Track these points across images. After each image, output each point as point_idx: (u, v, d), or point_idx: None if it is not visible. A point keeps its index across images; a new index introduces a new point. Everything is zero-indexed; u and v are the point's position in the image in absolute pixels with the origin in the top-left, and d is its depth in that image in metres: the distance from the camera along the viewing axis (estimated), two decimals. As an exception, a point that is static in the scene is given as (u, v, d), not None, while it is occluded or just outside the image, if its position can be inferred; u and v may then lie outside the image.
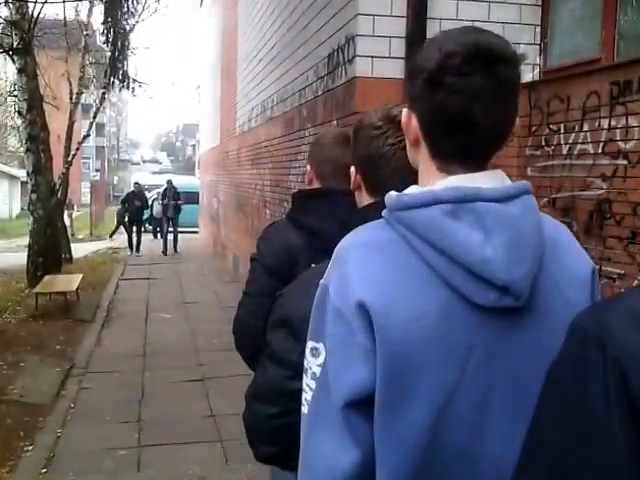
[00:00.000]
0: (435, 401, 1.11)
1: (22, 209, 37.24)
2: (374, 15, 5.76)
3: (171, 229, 18.58)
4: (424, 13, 5.76)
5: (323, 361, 1.18)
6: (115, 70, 16.55)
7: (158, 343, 8.51)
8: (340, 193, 2.31)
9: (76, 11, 18.22)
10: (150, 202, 20.48)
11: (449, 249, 1.10)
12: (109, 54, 16.71)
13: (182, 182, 25.52)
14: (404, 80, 1.24)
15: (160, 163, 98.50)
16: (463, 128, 1.14)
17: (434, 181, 1.19)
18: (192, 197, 23.46)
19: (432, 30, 5.91)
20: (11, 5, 11.62)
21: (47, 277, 11.24)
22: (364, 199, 1.65)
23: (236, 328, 2.44)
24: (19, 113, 12.43)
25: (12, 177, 39.85)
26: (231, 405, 6.13)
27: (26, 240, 13.82)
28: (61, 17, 17.67)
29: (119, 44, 15.99)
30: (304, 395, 1.22)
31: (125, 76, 17.01)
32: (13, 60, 11.98)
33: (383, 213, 1.22)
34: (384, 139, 1.57)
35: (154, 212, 20.59)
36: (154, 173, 66.62)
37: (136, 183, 20.30)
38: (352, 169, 1.67)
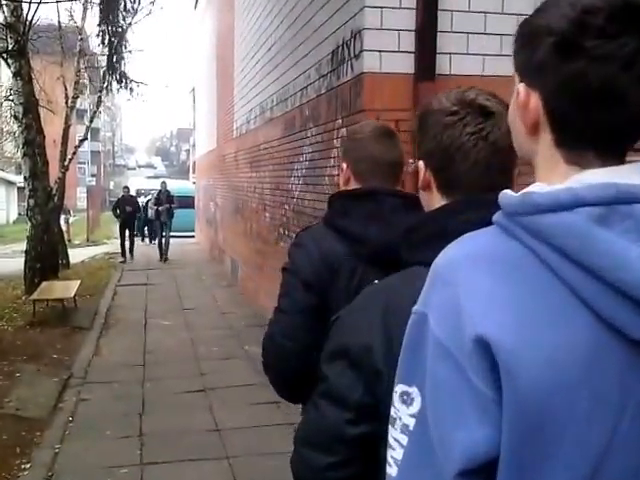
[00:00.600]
0: (581, 470, 0.83)
1: (19, 215, 37.04)
2: (382, 7, 5.53)
3: (164, 234, 17.84)
4: (435, 5, 5.52)
5: (418, 410, 0.91)
6: (113, 71, 16.25)
7: (158, 351, 8.25)
8: (386, 194, 2.07)
9: (70, 15, 17.96)
10: (144, 204, 20.05)
11: (597, 266, 0.82)
12: (106, 55, 16.39)
13: (177, 186, 25.27)
14: (515, 46, 0.96)
15: (155, 168, 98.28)
16: (606, 105, 0.87)
17: (562, 177, 0.91)
18: (187, 201, 23.19)
19: (443, 23, 5.69)
20: (5, 8, 11.37)
21: (44, 283, 10.98)
22: (435, 200, 1.38)
23: (266, 349, 2.16)
24: (15, 117, 12.18)
25: (9, 183, 39.59)
26: (235, 418, 5.94)
27: (23, 246, 13.57)
28: (55, 22, 17.41)
29: (116, 44, 15.69)
30: (391, 452, 0.95)
31: (123, 76, 16.70)
32: (8, 64, 11.74)
33: (495, 218, 0.94)
34: (461, 127, 1.31)
35: (149, 214, 20.10)
36: (149, 178, 66.36)
37: (125, 187, 19.63)
38: (420, 164, 1.39)
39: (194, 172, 33.60)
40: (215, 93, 17.46)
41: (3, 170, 39.68)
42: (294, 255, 2.14)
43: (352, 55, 5.94)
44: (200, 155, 23.11)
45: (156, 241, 18.48)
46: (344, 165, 2.21)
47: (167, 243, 17.82)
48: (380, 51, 5.64)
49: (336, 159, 6.44)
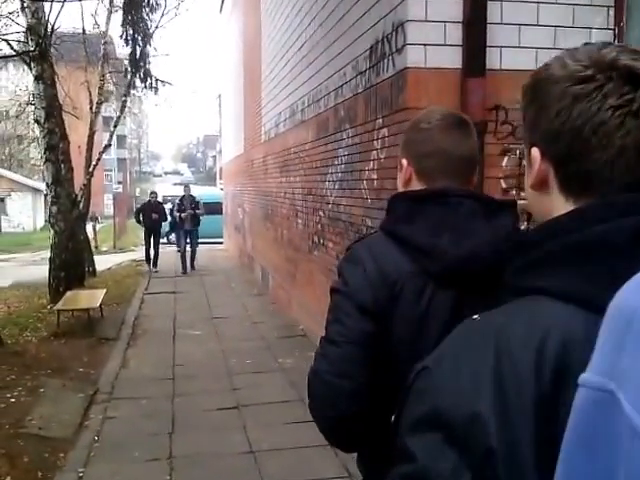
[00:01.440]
0: None
1: (46, 221, 37.09)
2: (427, -3, 5.15)
3: (188, 241, 16.40)
4: (484, -6, 5.14)
5: None
6: (136, 69, 15.78)
7: (187, 364, 7.89)
8: (460, 195, 1.66)
9: (95, 20, 17.74)
10: (170, 209, 19.18)
11: None
12: (129, 55, 15.87)
13: (206, 192, 25.00)
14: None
15: (181, 174, 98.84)
16: None
17: None
18: (216, 207, 22.90)
19: (493, 13, 5.31)
20: (27, 10, 11.11)
21: (69, 293, 10.71)
22: (556, 203, 0.96)
23: (313, 388, 1.75)
24: (37, 122, 11.88)
25: (35, 190, 39.75)
26: (271, 439, 5.55)
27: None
28: (79, 30, 17.15)
29: (140, 41, 15.27)
30: None
31: (147, 74, 16.19)
32: (30, 67, 11.47)
33: None
34: (601, 99, 0.89)
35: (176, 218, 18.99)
36: (175, 184, 66.64)
37: (152, 193, 17.77)
38: (533, 153, 0.97)
39: (221, 178, 33.45)
40: (242, 97, 17.17)
41: (29, 177, 39.87)
42: (347, 273, 1.74)
43: (393, 50, 5.56)
44: (227, 161, 22.84)
45: (180, 249, 16.73)
46: (404, 162, 1.81)
47: (193, 252, 16.52)
48: (425, 44, 5.26)
49: (376, 162, 6.06)
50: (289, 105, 10.28)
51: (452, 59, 5.28)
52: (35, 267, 18.34)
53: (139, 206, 18.18)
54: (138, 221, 17.05)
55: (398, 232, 1.69)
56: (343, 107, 7.15)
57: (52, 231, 12.23)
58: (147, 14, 15.33)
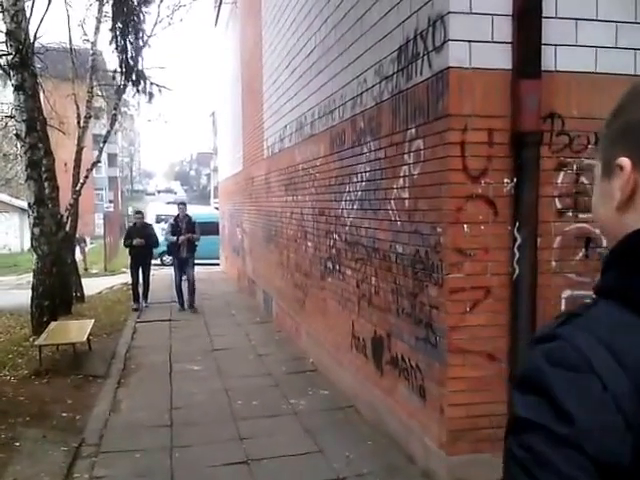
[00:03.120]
0: None
1: (32, 243, 36.07)
2: (472, -15, 4.38)
3: (184, 273, 13.61)
4: (542, -20, 4.37)
5: None
6: (127, 69, 14.23)
7: (187, 407, 6.99)
8: None
9: (83, 31, 16.75)
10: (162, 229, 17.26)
11: None
12: (120, 50, 14.07)
13: (201, 213, 24.05)
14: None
15: (174, 193, 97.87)
16: None
17: None
18: (211, 228, 22.00)
19: (547, 6, 4.54)
20: (6, 13, 10.14)
21: (53, 324, 9.76)
22: None
23: None
24: (17, 136, 10.88)
25: (22, 210, 38.65)
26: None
27: (36, 277, 12.31)
28: (65, 43, 16.11)
29: (132, 35, 13.79)
30: None
31: (140, 77, 14.54)
32: (9, 76, 10.53)
33: None
34: None
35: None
36: (169, 203, 65.79)
37: (137, 212, 14.88)
38: None
39: (216, 197, 32.62)
40: (240, 112, 16.36)
41: (17, 198, 38.85)
42: (563, 392, 0.80)
43: (430, 48, 4.77)
44: (224, 178, 21.98)
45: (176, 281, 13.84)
46: (623, 162, 0.91)
47: (192, 284, 13.48)
48: (469, 41, 4.51)
49: (407, 179, 5.23)
50: (296, 118, 9.46)
51: (501, 58, 4.52)
52: (20, 291, 17.36)
53: (127, 230, 15.25)
54: (130, 250, 13.94)
55: None
56: (363, 117, 6.34)
57: (34, 255, 11.19)
58: (139, 5, 13.88)
